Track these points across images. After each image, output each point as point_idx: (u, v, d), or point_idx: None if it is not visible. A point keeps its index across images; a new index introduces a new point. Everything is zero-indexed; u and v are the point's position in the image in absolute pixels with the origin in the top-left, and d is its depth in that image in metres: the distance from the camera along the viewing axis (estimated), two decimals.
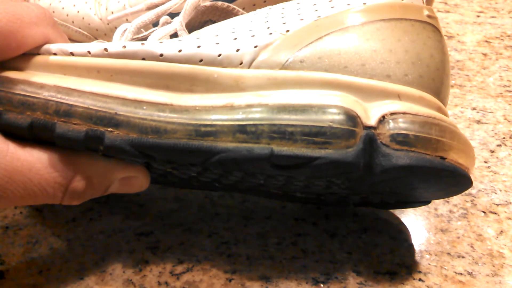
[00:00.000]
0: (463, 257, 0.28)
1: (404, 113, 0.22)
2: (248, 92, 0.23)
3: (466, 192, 0.32)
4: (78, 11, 0.39)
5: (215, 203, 0.31)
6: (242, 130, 0.21)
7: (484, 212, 0.31)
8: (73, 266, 0.27)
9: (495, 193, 0.32)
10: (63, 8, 0.40)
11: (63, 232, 0.29)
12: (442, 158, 0.22)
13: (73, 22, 0.40)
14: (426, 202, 0.28)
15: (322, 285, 0.26)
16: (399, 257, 0.28)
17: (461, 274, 0.27)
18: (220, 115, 0.22)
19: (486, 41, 0.49)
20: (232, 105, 0.22)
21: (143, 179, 0.25)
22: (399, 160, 0.22)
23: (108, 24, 0.38)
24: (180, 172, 0.25)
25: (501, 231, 0.29)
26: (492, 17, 0.54)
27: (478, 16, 0.54)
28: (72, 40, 0.40)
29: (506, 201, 0.31)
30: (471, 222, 0.30)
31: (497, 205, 0.31)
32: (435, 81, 0.24)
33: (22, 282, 0.26)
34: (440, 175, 0.23)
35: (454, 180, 0.24)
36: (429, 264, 0.27)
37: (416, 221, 0.30)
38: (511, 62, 0.46)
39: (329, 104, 0.22)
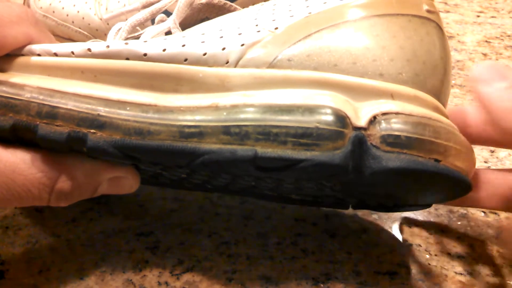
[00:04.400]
0: (463, 257, 0.28)
1: (396, 113, 0.21)
2: (234, 92, 0.22)
3: None
4: (78, 11, 0.39)
5: (215, 203, 0.31)
6: (226, 132, 0.21)
7: (484, 212, 0.31)
8: (73, 266, 0.27)
9: None
10: (63, 8, 0.40)
11: (63, 232, 0.29)
12: (437, 160, 0.21)
13: (73, 22, 0.40)
14: (426, 206, 0.28)
15: (322, 285, 0.26)
16: (399, 257, 0.28)
17: (461, 274, 0.27)
18: (205, 116, 0.21)
19: (486, 41, 0.49)
20: (217, 105, 0.21)
21: (132, 179, 0.24)
22: (389, 163, 0.20)
23: (107, 24, 0.38)
24: (170, 174, 0.25)
25: (501, 231, 0.29)
26: (492, 17, 0.54)
27: (478, 16, 0.54)
28: (73, 40, 0.40)
29: None
30: (471, 222, 0.30)
31: None
32: (433, 79, 0.23)
33: (22, 282, 0.26)
34: (434, 178, 0.22)
35: (450, 184, 0.22)
36: (429, 264, 0.27)
37: (416, 221, 0.30)
38: (511, 62, 0.46)
39: (316, 104, 0.21)
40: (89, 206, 0.31)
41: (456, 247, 0.28)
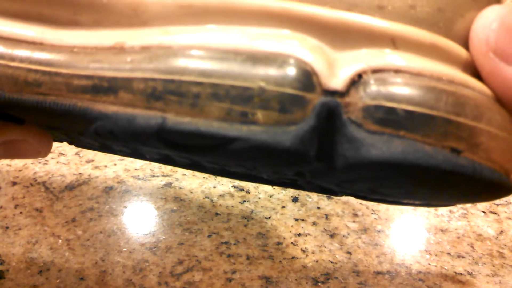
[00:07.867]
0: (463, 257, 0.28)
1: (397, 70, 0.13)
2: (150, 27, 0.15)
3: None
4: None
5: (215, 203, 0.31)
6: (127, 87, 0.14)
7: (484, 212, 0.31)
8: (73, 266, 0.27)
9: None
10: None
11: (63, 232, 0.29)
12: (455, 150, 0.13)
13: None
14: (442, 206, 0.21)
15: (322, 285, 0.26)
16: (399, 257, 0.28)
17: (461, 274, 0.27)
18: (102, 62, 0.15)
19: None
20: (122, 46, 0.15)
21: (36, 143, 0.19)
22: (373, 151, 0.13)
23: None
24: (87, 142, 0.19)
25: (501, 231, 0.29)
26: None
27: None
28: None
29: (506, 201, 0.31)
30: (471, 222, 0.30)
31: (497, 205, 0.31)
32: (465, 18, 0.14)
33: (22, 282, 0.26)
34: (448, 180, 0.14)
35: (479, 187, 0.14)
36: (429, 264, 0.27)
37: (416, 221, 0.30)
38: None
39: (266, 51, 0.13)
40: (89, 206, 0.31)
41: (456, 247, 0.28)
